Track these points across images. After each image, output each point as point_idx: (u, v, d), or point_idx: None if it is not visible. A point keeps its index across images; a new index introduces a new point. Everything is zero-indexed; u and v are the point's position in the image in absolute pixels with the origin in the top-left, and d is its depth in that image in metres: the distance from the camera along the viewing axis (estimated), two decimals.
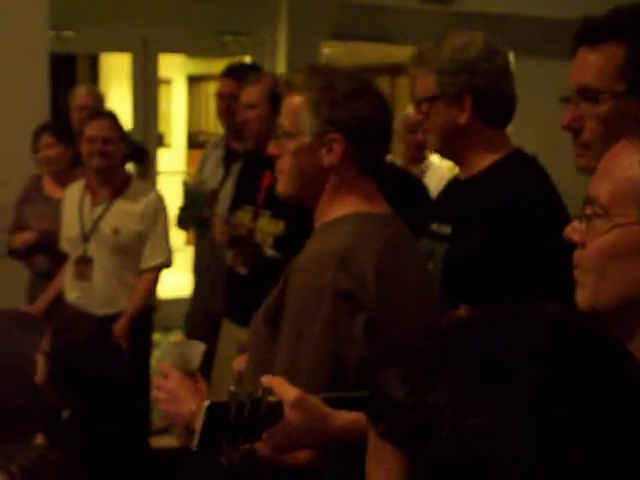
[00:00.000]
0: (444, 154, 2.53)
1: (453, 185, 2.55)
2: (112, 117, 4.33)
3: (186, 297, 4.92)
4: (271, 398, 1.66)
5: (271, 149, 2.10)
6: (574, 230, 1.39)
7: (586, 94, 1.79)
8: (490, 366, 0.81)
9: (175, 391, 1.93)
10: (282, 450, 1.75)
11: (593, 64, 1.78)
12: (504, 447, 0.77)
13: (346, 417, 1.73)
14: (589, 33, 1.79)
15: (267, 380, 1.69)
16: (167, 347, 2.01)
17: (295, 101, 2.02)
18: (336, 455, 1.77)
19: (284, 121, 2.04)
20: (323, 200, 2.03)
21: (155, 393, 1.98)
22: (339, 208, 2.01)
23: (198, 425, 1.66)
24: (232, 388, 1.67)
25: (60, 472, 1.96)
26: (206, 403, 1.65)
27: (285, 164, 2.05)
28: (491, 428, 0.77)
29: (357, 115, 1.98)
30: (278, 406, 1.67)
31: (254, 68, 4.65)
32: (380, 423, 0.83)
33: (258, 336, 2.03)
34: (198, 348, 2.01)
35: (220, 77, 4.62)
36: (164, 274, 4.44)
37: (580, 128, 1.81)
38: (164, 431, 4.03)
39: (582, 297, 1.39)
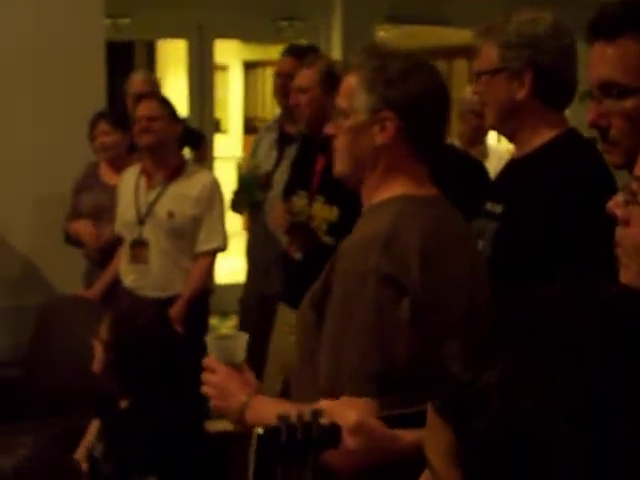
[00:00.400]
0: (500, 130, 2.51)
1: (509, 164, 2.53)
2: (158, 97, 4.36)
3: (244, 282, 4.93)
4: (323, 421, 1.62)
5: (328, 129, 2.10)
6: (617, 205, 1.36)
7: (609, 90, 1.73)
8: (545, 347, 0.81)
9: (223, 386, 1.92)
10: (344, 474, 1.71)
11: (614, 59, 1.72)
12: (550, 428, 0.77)
13: (408, 438, 1.69)
14: (606, 26, 1.73)
15: (322, 404, 1.66)
16: (211, 342, 1.99)
17: (351, 80, 2.01)
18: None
19: (341, 101, 2.03)
20: (372, 181, 2.01)
21: (204, 389, 1.97)
22: (387, 190, 1.98)
23: (251, 456, 1.62)
24: (283, 412, 1.64)
25: (52, 474, 1.95)
26: (257, 431, 1.61)
27: (340, 143, 2.04)
28: (538, 409, 0.77)
29: (411, 94, 1.96)
30: (333, 429, 1.63)
31: (313, 50, 4.63)
32: (437, 398, 0.85)
33: (304, 323, 2.01)
34: (242, 340, 1.98)
35: (280, 55, 4.62)
36: (221, 259, 4.44)
37: (607, 125, 1.75)
38: (220, 415, 4.04)
39: (626, 278, 1.36)
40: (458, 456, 0.82)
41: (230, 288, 6.17)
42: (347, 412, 1.65)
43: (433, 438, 0.86)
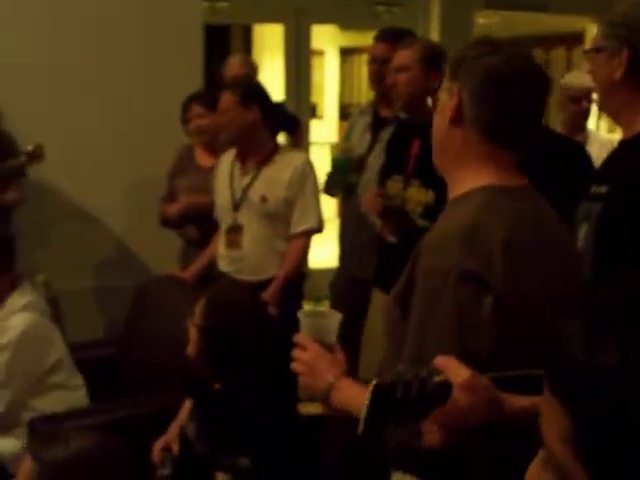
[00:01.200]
0: (604, 109, 2.49)
1: (617, 146, 2.48)
2: (230, 86, 4.32)
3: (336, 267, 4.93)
4: (438, 378, 1.61)
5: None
6: None
7: None
8: None
9: (313, 364, 1.91)
10: (448, 431, 1.68)
11: None
12: None
13: (519, 404, 1.65)
14: None
15: (438, 360, 1.63)
16: (303, 318, 1.97)
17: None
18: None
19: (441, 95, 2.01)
20: (458, 171, 1.96)
21: (294, 366, 1.96)
22: (472, 180, 1.93)
23: (364, 407, 1.61)
24: (400, 367, 1.63)
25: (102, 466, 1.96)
26: (373, 382, 1.61)
27: (435, 132, 2.01)
28: None
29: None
30: (445, 386, 1.61)
31: (408, 33, 4.58)
32: (552, 378, 0.83)
33: (390, 318, 1.98)
34: (334, 319, 1.97)
35: (373, 40, 4.58)
36: (315, 245, 4.42)
37: None
38: (312, 399, 4.04)
39: None
40: (577, 443, 0.78)
41: (324, 274, 6.16)
42: (459, 369, 1.61)
43: (550, 421, 0.84)
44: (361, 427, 1.63)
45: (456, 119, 1.93)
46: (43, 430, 1.88)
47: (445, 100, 1.96)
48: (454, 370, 1.61)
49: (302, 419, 3.33)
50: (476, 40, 2.01)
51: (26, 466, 1.90)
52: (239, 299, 3.19)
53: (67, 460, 1.88)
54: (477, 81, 1.91)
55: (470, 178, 1.94)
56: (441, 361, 1.63)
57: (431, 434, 1.66)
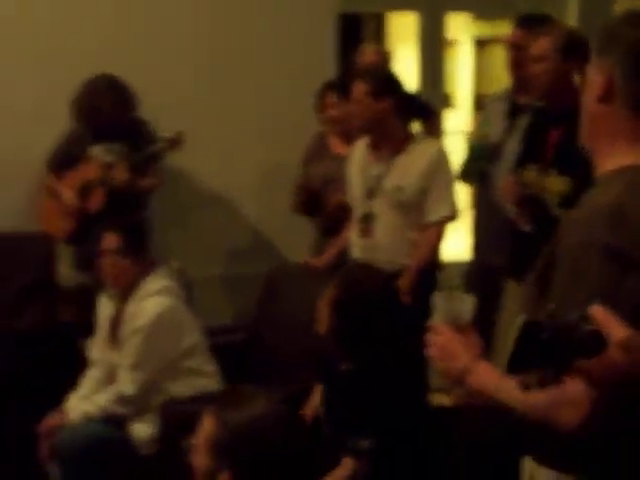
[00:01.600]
0: None
1: None
2: (364, 75, 4.27)
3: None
4: (588, 327, 1.54)
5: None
6: None
7: None
8: None
9: (447, 347, 1.89)
10: (598, 385, 1.61)
11: None
12: None
13: None
14: None
15: (595, 310, 1.57)
16: (438, 300, 1.95)
17: None
18: None
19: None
20: (606, 150, 1.90)
21: (427, 351, 1.93)
22: (620, 158, 1.86)
23: (510, 343, 1.59)
24: (551, 306, 1.59)
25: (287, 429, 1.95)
26: (522, 317, 1.58)
27: (584, 111, 1.95)
28: None
29: None
30: (596, 337, 1.54)
31: (547, 19, 4.47)
32: None
33: (527, 296, 1.93)
34: (468, 302, 1.95)
35: (512, 26, 4.50)
36: (450, 237, 4.36)
37: None
38: (441, 389, 4.00)
39: None
40: None
41: (457, 266, 6.09)
42: (617, 325, 1.55)
43: None
44: (508, 360, 1.60)
45: (606, 96, 1.86)
46: (228, 391, 1.92)
47: (593, 77, 1.89)
48: (613, 325, 1.55)
49: (432, 408, 3.31)
50: (626, 13, 1.93)
51: (207, 425, 1.93)
52: (372, 278, 3.20)
53: (250, 424, 1.90)
54: (630, 55, 1.84)
55: (618, 156, 1.87)
56: (599, 313, 1.54)
57: (573, 383, 1.59)
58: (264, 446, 1.97)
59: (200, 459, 2.01)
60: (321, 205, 4.70)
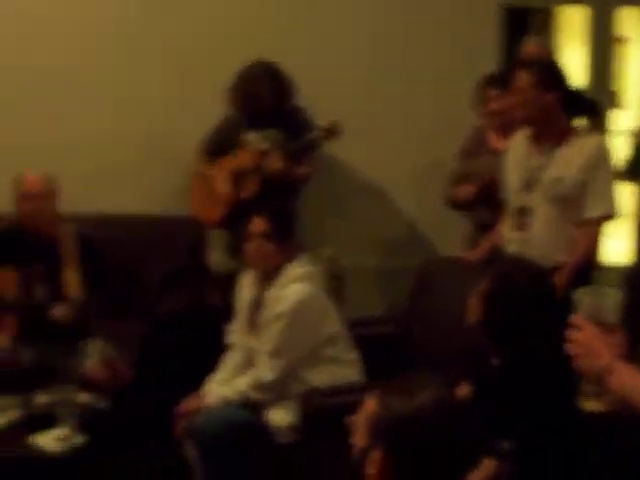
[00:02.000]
0: None
1: None
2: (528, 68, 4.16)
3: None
4: None
5: None
6: None
7: None
8: None
9: (588, 344, 1.83)
10: None
11: None
12: None
13: None
14: None
15: None
16: (580, 297, 1.89)
17: None
18: None
19: None
20: None
21: (568, 347, 1.86)
22: None
23: None
24: None
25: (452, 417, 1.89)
26: None
27: None
28: None
29: None
30: None
31: None
32: None
33: None
34: (613, 298, 1.87)
35: None
36: (609, 239, 4.21)
37: None
38: (594, 394, 3.86)
39: None
40: None
41: (613, 270, 5.91)
42: None
43: None
44: None
45: None
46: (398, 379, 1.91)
47: None
48: None
49: (582, 413, 3.19)
50: None
51: (369, 405, 1.93)
52: (526, 271, 3.12)
53: (412, 415, 1.88)
54: None
55: None
56: None
57: None
58: (427, 437, 1.93)
59: (358, 437, 1.99)
60: (489, 198, 4.60)
